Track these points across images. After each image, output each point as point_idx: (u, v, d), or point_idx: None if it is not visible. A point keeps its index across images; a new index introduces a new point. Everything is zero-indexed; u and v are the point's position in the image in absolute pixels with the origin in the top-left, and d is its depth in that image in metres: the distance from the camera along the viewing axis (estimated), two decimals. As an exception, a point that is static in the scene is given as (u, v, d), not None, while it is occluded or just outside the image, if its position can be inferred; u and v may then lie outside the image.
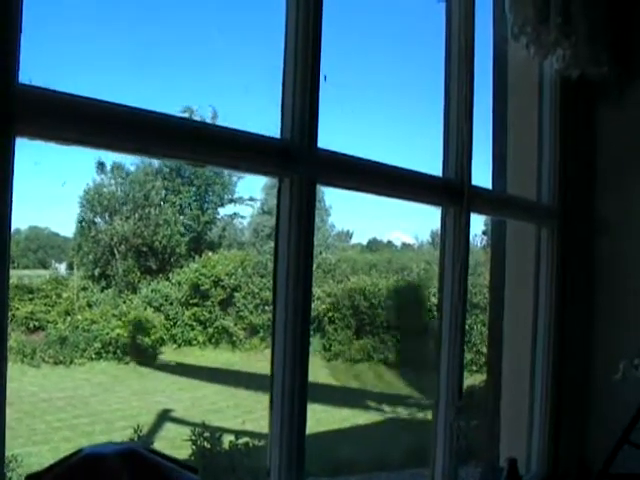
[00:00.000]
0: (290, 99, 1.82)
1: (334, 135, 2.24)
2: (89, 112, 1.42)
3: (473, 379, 7.89)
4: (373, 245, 16.39)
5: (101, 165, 13.56)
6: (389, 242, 16.72)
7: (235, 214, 15.85)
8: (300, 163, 1.81)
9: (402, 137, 13.97)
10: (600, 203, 2.96)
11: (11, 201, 1.33)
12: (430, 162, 2.52)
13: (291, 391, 1.79)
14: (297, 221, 1.79)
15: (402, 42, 13.08)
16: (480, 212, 2.58)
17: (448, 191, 2.36)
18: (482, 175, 2.64)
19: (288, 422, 1.79)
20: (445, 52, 2.39)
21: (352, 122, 12.32)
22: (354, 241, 17.23)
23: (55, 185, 15.06)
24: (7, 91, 1.25)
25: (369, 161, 2.08)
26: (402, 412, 10.49)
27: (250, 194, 15.96)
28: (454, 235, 2.36)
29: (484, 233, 10.71)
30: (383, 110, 14.07)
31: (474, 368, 9.56)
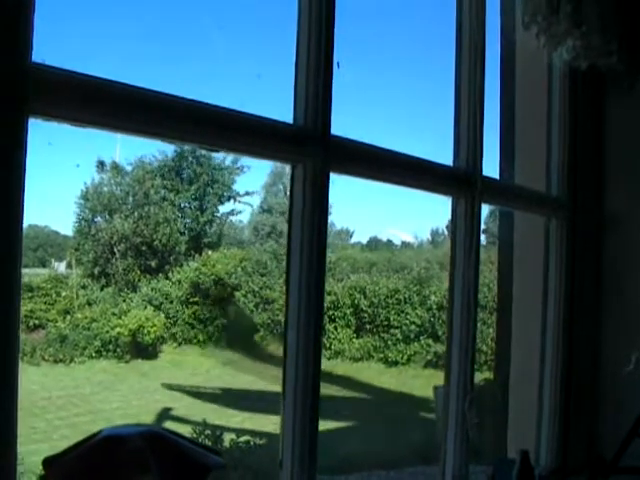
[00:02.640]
0: (303, 85, 1.79)
1: (347, 123, 2.22)
2: (104, 93, 1.40)
3: (476, 377, 7.82)
4: (373, 243, 16.40)
5: (101, 164, 13.55)
6: (389, 241, 16.75)
7: (233, 211, 15.85)
8: (313, 149, 1.79)
9: (410, 126, 13.99)
10: (609, 195, 2.93)
11: (24, 185, 1.29)
12: (437, 152, 2.48)
13: (304, 378, 1.77)
14: (310, 207, 1.76)
15: (413, 31, 13.12)
16: (491, 203, 2.56)
17: (460, 181, 2.33)
18: (489, 165, 2.61)
19: (301, 415, 1.77)
20: (456, 41, 2.36)
21: (364, 110, 12.34)
22: (354, 240, 17.27)
23: (54, 182, 15.03)
24: (20, 69, 1.23)
25: (383, 149, 2.05)
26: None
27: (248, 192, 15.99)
28: (465, 226, 2.33)
29: (485, 232, 10.68)
30: (394, 99, 14.10)
31: (475, 367, 9.48)
